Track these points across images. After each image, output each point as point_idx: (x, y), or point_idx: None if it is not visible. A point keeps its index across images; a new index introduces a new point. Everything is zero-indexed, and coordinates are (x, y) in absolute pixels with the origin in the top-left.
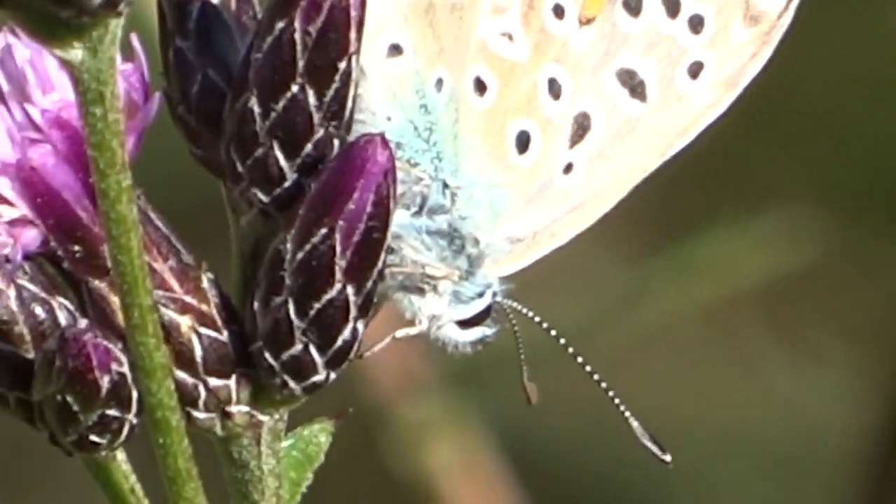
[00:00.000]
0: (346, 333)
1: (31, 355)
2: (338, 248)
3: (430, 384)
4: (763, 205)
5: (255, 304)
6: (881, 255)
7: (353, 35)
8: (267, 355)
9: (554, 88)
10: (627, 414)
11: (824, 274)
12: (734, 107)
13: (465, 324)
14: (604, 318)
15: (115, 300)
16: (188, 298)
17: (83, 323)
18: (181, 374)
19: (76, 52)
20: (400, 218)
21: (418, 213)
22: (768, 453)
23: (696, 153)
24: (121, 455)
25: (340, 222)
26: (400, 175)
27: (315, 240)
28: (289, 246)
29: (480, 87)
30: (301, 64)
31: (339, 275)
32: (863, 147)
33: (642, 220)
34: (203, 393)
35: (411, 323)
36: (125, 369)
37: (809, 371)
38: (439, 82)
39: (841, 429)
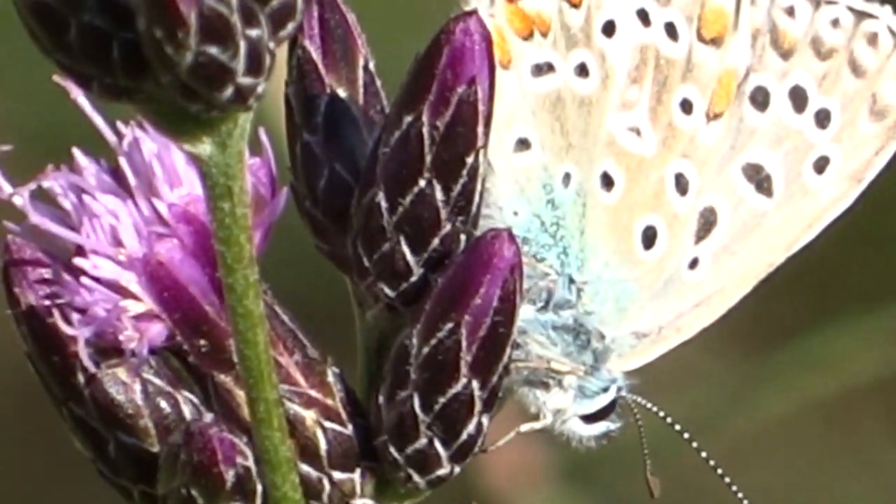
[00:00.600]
0: (471, 428)
1: (155, 449)
2: (464, 343)
3: (543, 474)
4: (876, 301)
5: (380, 398)
6: None
7: (480, 130)
8: (391, 449)
9: (681, 184)
10: None
11: None
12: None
13: (589, 418)
14: (720, 414)
15: (240, 394)
16: (313, 393)
17: (208, 417)
18: (306, 468)
19: (205, 147)
20: (525, 313)
21: (544, 308)
22: None
23: (808, 247)
24: None
25: (467, 317)
26: (526, 270)
27: (441, 335)
28: (414, 340)
29: (608, 182)
30: (429, 158)
31: (464, 369)
32: None
33: (756, 316)
34: (328, 486)
35: (535, 417)
36: (250, 463)
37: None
38: (567, 177)
39: None
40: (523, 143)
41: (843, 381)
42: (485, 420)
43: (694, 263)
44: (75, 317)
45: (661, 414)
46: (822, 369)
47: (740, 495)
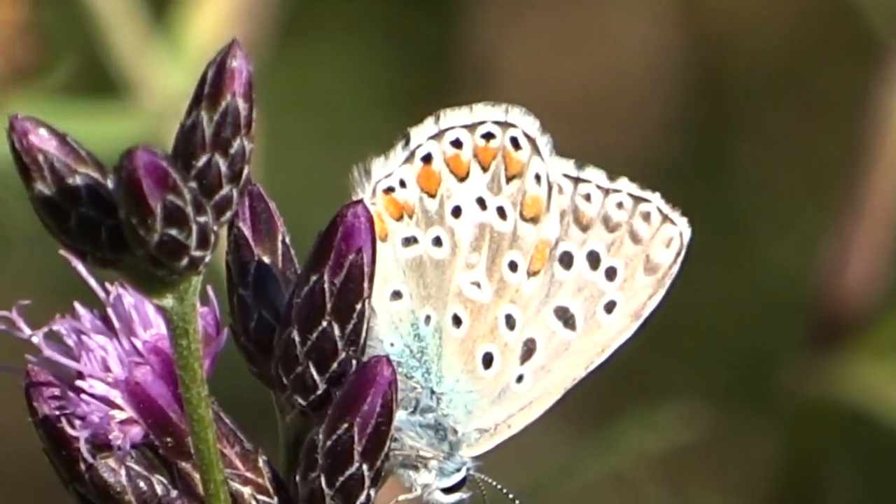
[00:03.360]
0: (362, 498)
1: None
2: (356, 438)
3: None
4: (663, 399)
5: (297, 478)
6: (747, 435)
7: (366, 285)
8: None
9: (510, 322)
10: None
11: (708, 448)
12: (639, 332)
13: (447, 491)
14: (546, 483)
15: (196, 477)
16: (249, 474)
17: (174, 493)
18: None
19: (168, 300)
20: (400, 416)
21: (413, 412)
22: None
23: (613, 364)
24: None
25: (358, 419)
26: (400, 385)
27: (340, 432)
28: (321, 436)
29: (457, 321)
30: (329, 306)
31: (356, 457)
32: (734, 354)
33: (574, 413)
34: None
35: (409, 490)
36: None
37: None
38: (427, 318)
39: None
40: (397, 294)
41: (637, 459)
42: (372, 492)
43: (520, 379)
44: (77, 422)
45: (498, 486)
46: (622, 450)
47: None
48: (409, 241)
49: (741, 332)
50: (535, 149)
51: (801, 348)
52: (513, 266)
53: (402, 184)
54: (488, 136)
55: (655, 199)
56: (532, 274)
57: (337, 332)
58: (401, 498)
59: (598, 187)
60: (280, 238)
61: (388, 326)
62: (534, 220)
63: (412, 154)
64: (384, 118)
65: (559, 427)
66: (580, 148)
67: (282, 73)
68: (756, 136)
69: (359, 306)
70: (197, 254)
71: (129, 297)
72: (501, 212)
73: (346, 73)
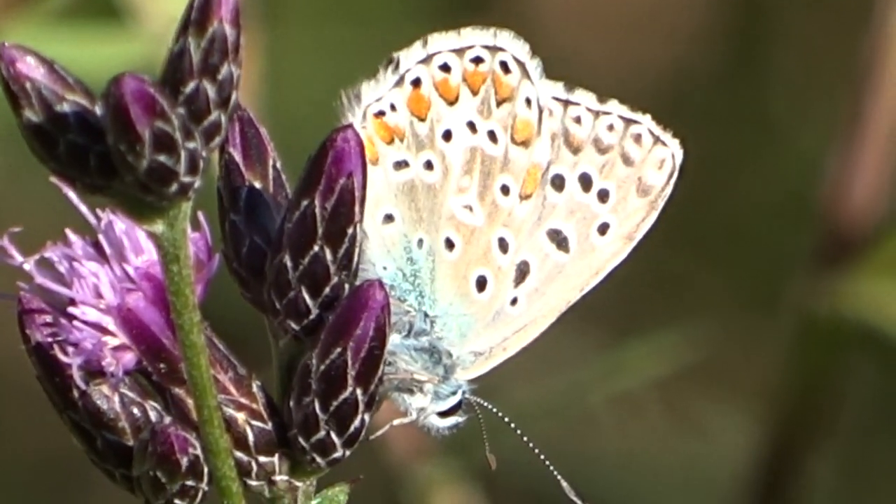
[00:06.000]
0: (357, 423)
1: (130, 443)
2: (349, 362)
3: (432, 452)
4: (675, 311)
5: (291, 403)
6: (758, 347)
7: (357, 209)
8: (300, 439)
9: (503, 245)
10: (559, 477)
11: (718, 363)
12: (633, 253)
13: (443, 414)
14: (545, 406)
15: (190, 402)
16: (243, 400)
17: (167, 419)
18: (239, 454)
19: (158, 226)
20: (394, 339)
21: (407, 335)
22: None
23: (623, 283)
24: None
25: (351, 343)
26: (393, 309)
27: (333, 356)
28: (314, 361)
29: (450, 244)
30: (320, 230)
31: (350, 381)
32: (756, 264)
33: (583, 331)
34: (255, 467)
35: (404, 414)
36: (198, 452)
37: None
38: (420, 242)
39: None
40: (389, 218)
41: (644, 377)
42: (367, 417)
43: (514, 301)
44: (70, 349)
45: (492, 409)
46: (630, 368)
47: (551, 468)
48: (400, 164)
49: (769, 241)
50: (525, 72)
51: (811, 263)
52: (505, 189)
53: (393, 108)
54: (477, 61)
55: (646, 120)
56: (524, 197)
57: (329, 256)
58: (396, 422)
59: (588, 109)
60: (271, 163)
61: (381, 250)
62: (525, 143)
63: (402, 78)
64: (424, 28)
65: (570, 344)
66: (614, 56)
67: None
68: (790, 41)
69: (350, 230)
70: (186, 179)
71: (120, 224)
72: (492, 135)
73: None
